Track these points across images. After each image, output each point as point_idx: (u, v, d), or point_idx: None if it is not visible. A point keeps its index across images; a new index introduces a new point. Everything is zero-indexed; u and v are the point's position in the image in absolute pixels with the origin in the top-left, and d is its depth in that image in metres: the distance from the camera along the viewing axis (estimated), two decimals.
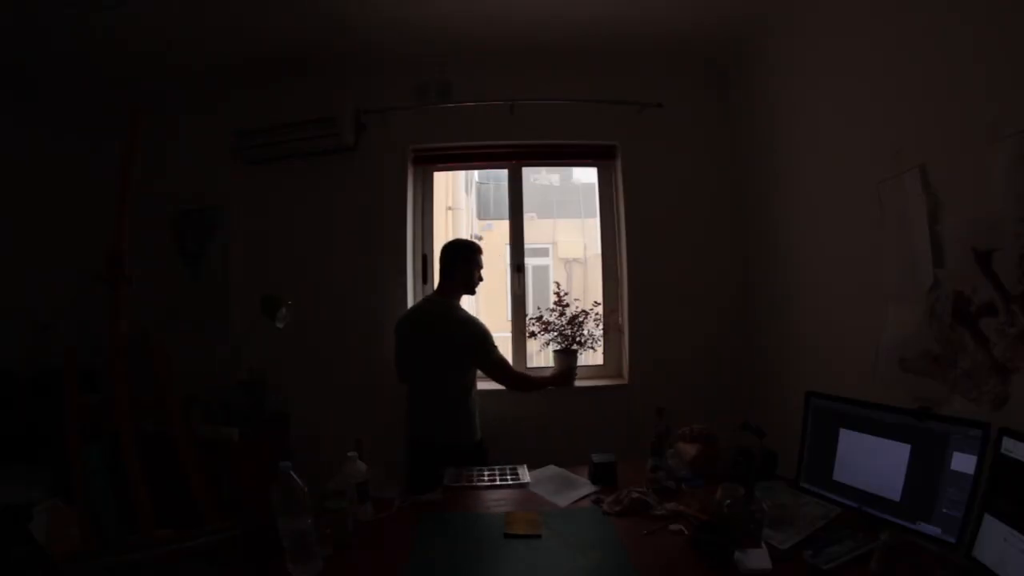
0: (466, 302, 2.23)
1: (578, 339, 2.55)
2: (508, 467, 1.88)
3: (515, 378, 2.15)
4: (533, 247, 6.08)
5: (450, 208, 4.73)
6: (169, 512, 1.72)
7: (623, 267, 2.70)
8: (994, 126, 1.22)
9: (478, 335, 2.03)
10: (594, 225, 3.05)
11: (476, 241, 2.25)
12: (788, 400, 2.03)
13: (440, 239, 2.94)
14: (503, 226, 2.92)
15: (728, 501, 1.39)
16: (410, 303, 2.64)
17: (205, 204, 2.77)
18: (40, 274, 2.59)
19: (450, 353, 2.03)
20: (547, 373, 2.48)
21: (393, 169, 2.66)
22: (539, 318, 2.60)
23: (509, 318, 2.81)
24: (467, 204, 5.66)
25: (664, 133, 2.62)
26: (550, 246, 6.89)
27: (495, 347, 2.06)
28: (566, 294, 2.61)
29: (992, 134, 1.22)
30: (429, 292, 2.72)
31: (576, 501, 1.64)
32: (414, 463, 2.07)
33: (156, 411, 1.79)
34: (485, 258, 2.21)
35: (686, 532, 1.40)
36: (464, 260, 2.13)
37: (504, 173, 2.82)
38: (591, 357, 2.79)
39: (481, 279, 2.19)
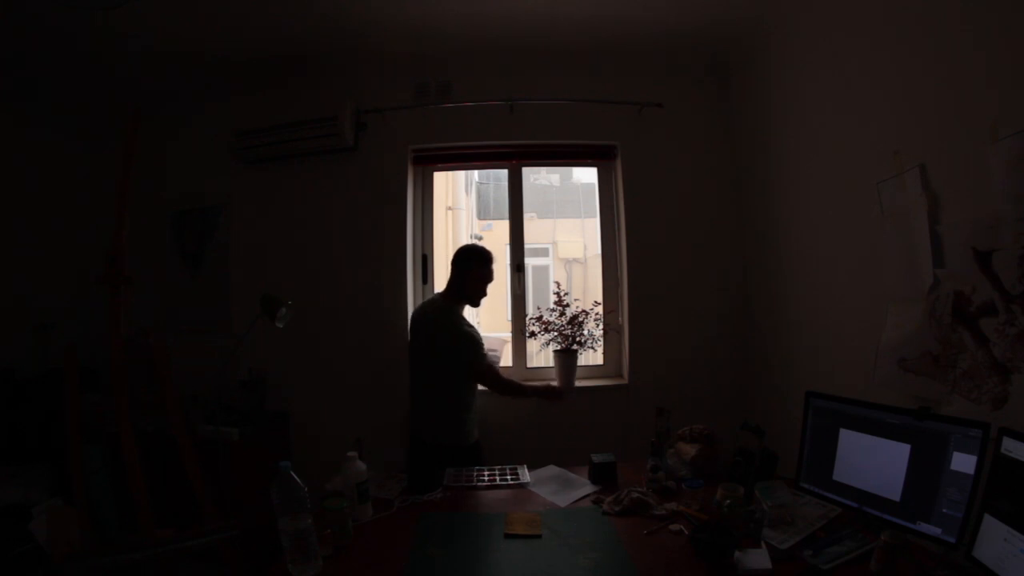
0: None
1: (578, 339, 2.55)
2: (508, 467, 1.87)
3: (502, 384, 2.11)
4: (533, 247, 6.08)
5: (450, 208, 4.73)
6: (169, 512, 1.72)
7: (623, 267, 2.70)
8: (994, 126, 1.22)
9: (467, 342, 2.00)
10: (594, 225, 3.05)
11: (483, 248, 2.16)
12: (788, 400, 2.04)
13: (440, 239, 2.93)
14: (503, 226, 2.91)
15: (728, 501, 1.39)
16: (410, 303, 2.64)
17: (205, 204, 2.77)
18: (40, 274, 2.59)
19: (440, 358, 2.03)
20: (538, 383, 2.44)
21: (393, 169, 2.66)
22: (539, 318, 2.60)
23: (509, 318, 2.81)
24: (467, 204, 5.66)
25: (664, 133, 2.62)
26: (550, 246, 6.89)
27: (484, 355, 2.03)
28: (566, 294, 2.61)
29: (992, 134, 1.22)
30: (429, 292, 2.73)
31: (576, 501, 1.64)
32: (413, 461, 2.08)
33: (156, 411, 1.79)
34: None
35: (686, 532, 1.40)
36: (462, 270, 2.08)
37: (504, 173, 2.82)
38: (591, 357, 2.79)
39: (484, 293, 2.12)
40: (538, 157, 2.91)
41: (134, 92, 2.65)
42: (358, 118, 2.60)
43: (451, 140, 2.68)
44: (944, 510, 1.20)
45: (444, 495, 1.70)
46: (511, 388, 2.14)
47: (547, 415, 2.55)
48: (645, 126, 2.61)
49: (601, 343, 2.73)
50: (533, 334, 2.62)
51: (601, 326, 2.66)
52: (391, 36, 2.42)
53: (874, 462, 1.37)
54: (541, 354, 2.84)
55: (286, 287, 2.36)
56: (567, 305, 2.59)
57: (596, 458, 1.77)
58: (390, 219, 2.65)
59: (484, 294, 2.13)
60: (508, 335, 2.83)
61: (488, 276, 2.11)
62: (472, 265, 2.08)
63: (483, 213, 6.33)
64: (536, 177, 6.84)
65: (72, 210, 2.70)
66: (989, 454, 1.13)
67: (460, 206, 5.21)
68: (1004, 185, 1.19)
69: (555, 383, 2.61)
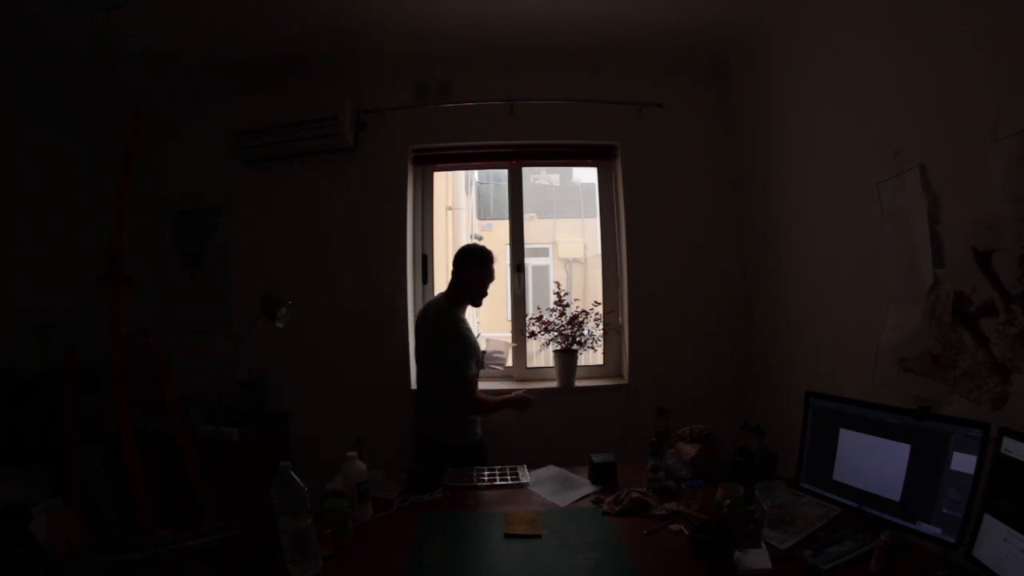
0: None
1: (578, 339, 2.55)
2: (508, 467, 1.88)
3: (473, 401, 2.04)
4: (533, 247, 6.08)
5: (450, 208, 4.73)
6: (169, 512, 1.73)
7: (623, 267, 2.70)
8: (994, 126, 1.22)
9: (461, 344, 1.98)
10: (594, 225, 3.05)
11: (483, 248, 2.12)
12: (788, 400, 2.04)
13: (440, 239, 2.93)
14: (503, 226, 2.91)
15: (728, 501, 1.39)
16: (410, 303, 2.64)
17: (205, 204, 2.78)
18: (40, 274, 2.59)
19: (439, 359, 2.02)
20: (514, 392, 2.38)
21: (393, 169, 2.66)
22: (539, 318, 2.60)
23: (509, 318, 2.81)
24: (467, 204, 5.65)
25: (664, 133, 2.62)
26: (550, 246, 6.90)
27: (471, 366, 1.99)
28: (566, 294, 2.61)
29: (992, 134, 1.22)
30: (429, 292, 2.73)
31: (576, 501, 1.64)
32: (417, 459, 2.07)
33: (156, 411, 1.79)
34: None
35: (686, 532, 1.40)
36: (462, 270, 2.06)
37: (504, 173, 2.82)
38: (591, 357, 2.79)
39: (485, 293, 2.09)
40: (538, 157, 2.91)
41: (134, 92, 2.65)
42: (358, 118, 2.60)
43: (451, 140, 2.68)
44: (944, 510, 1.20)
45: (444, 495, 1.70)
46: (480, 407, 2.08)
47: (547, 415, 2.55)
48: (645, 126, 2.61)
49: (601, 343, 2.74)
50: (533, 334, 2.62)
51: (601, 326, 2.67)
52: (391, 36, 2.42)
53: (874, 462, 1.37)
54: (541, 354, 2.84)
55: (286, 287, 2.36)
56: (567, 305, 2.59)
57: (596, 458, 1.77)
58: (390, 219, 2.65)
59: (485, 294, 2.11)
60: (508, 335, 2.83)
61: (489, 276, 2.10)
62: (472, 265, 2.07)
63: (483, 213, 6.33)
64: (536, 177, 6.84)
65: (72, 210, 2.70)
66: (989, 454, 1.13)
67: (460, 206, 5.21)
68: (1004, 185, 1.19)
69: (554, 384, 2.62)
